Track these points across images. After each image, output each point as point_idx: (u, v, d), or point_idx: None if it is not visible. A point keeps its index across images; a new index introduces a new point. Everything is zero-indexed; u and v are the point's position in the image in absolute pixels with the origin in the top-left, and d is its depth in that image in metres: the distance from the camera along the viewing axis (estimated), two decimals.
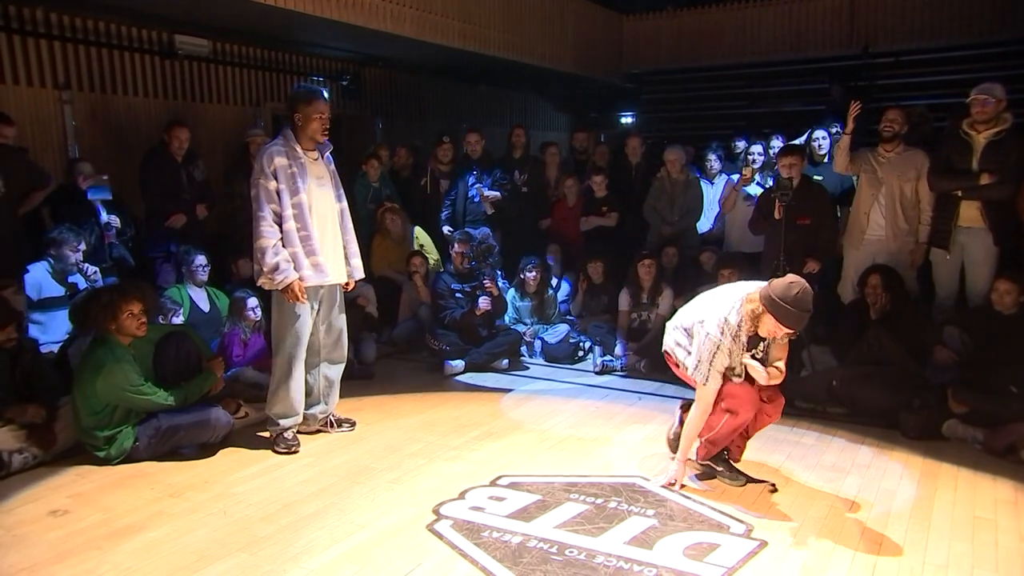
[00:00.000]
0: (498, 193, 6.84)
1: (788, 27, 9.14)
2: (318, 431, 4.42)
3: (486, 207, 6.87)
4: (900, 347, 4.78)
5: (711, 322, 3.32)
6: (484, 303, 5.88)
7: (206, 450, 4.09)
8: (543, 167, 7.41)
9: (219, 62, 7.35)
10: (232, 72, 7.52)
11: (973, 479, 3.73)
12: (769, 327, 3.23)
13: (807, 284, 3.21)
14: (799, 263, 5.31)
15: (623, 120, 11.40)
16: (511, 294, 6.52)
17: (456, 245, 6.13)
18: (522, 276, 6.45)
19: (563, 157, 7.71)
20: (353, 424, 4.51)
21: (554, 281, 6.73)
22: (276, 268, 3.96)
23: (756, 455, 4.00)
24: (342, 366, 4.42)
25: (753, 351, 3.37)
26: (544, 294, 6.48)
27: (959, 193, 5.14)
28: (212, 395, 4.25)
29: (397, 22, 6.70)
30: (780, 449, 4.15)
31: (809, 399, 4.75)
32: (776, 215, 5.33)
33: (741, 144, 7.03)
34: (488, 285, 5.96)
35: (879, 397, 4.52)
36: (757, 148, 6.53)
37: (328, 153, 4.25)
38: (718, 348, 3.30)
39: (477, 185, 6.83)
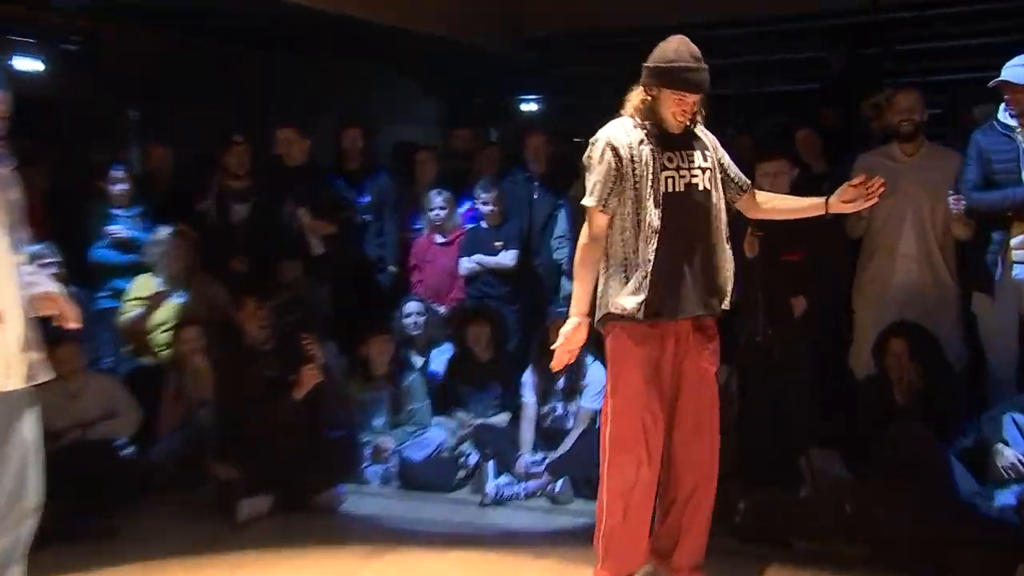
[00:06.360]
0: (333, 227, 5.37)
1: None
2: None
3: (311, 244, 5.31)
4: (941, 446, 4.07)
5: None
6: (308, 376, 4.39)
7: None
8: (412, 181, 5.99)
9: None
10: None
11: None
12: (668, 107, 3.13)
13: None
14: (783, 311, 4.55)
15: (521, 108, 9.96)
16: (350, 386, 5.22)
17: None
18: (362, 355, 5.08)
19: (440, 166, 6.34)
20: None
21: (417, 360, 5.37)
22: None
23: None
24: (29, 524, 2.97)
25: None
26: (399, 381, 5.13)
27: (1009, 214, 4.34)
28: None
29: None
30: None
31: (812, 534, 3.99)
32: (747, 250, 4.40)
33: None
34: (308, 347, 4.49)
35: (916, 525, 3.79)
36: None
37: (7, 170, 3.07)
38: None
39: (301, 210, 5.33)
